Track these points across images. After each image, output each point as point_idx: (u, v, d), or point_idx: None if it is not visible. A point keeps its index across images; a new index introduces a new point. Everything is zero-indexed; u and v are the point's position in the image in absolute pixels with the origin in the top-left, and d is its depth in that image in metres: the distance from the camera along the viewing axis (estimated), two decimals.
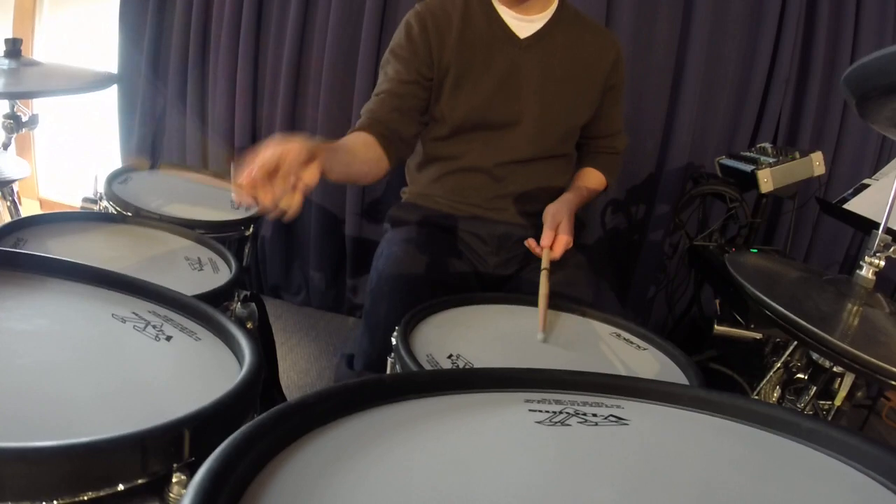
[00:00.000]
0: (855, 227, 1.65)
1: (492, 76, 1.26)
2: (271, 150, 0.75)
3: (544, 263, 1.09)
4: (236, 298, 0.96)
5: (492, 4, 1.27)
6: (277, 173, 0.75)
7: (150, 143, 2.43)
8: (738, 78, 2.02)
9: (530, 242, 1.17)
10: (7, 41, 1.43)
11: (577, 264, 1.23)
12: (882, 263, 0.95)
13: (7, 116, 1.53)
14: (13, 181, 1.43)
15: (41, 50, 2.60)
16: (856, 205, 1.42)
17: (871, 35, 1.92)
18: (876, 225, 0.96)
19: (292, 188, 0.77)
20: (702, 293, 2.02)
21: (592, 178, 1.39)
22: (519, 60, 1.26)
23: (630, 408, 0.53)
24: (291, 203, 0.77)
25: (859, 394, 1.10)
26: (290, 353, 2.01)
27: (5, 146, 1.55)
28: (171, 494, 0.45)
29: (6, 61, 1.41)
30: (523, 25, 1.27)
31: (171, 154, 2.39)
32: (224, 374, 0.60)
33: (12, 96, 1.51)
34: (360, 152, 1.14)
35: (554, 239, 1.14)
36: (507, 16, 1.27)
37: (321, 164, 0.82)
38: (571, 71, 1.29)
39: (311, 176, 0.79)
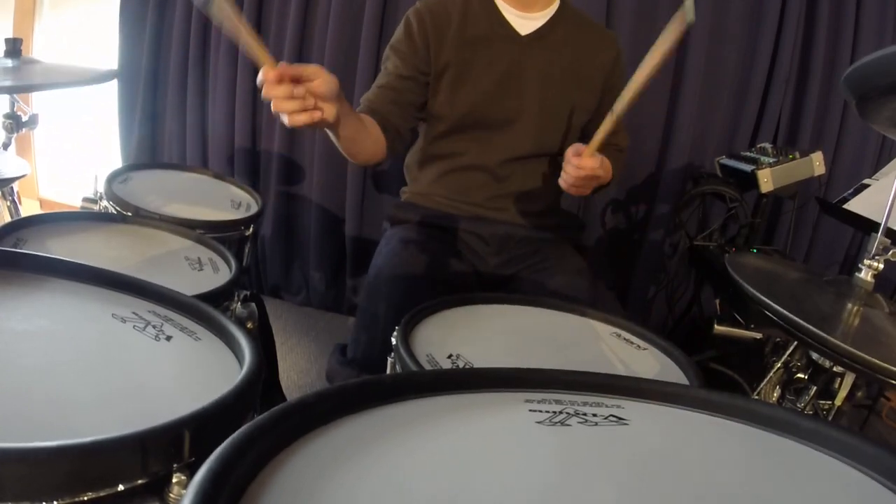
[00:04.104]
0: (855, 227, 1.65)
1: (492, 73, 1.26)
2: (312, 67, 0.85)
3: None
4: (236, 298, 0.96)
5: (493, 1, 1.27)
6: (304, 84, 0.84)
7: (150, 143, 2.43)
8: (738, 78, 2.02)
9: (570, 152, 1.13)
10: (7, 41, 1.43)
11: (577, 270, 1.23)
12: (881, 266, 0.95)
13: (7, 116, 1.53)
14: (12, 180, 1.43)
15: (41, 49, 2.60)
16: (856, 205, 1.42)
17: (871, 35, 1.92)
18: (876, 225, 0.96)
19: (305, 105, 0.85)
20: (702, 293, 2.02)
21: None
22: (520, 57, 1.26)
23: (630, 408, 0.53)
24: (299, 117, 0.85)
25: (859, 394, 1.10)
26: (290, 353, 2.01)
27: (5, 146, 1.55)
28: (171, 495, 0.44)
29: (6, 61, 1.41)
30: (524, 23, 1.27)
31: (171, 154, 2.39)
32: (224, 374, 0.60)
33: (12, 90, 1.50)
34: (369, 124, 1.19)
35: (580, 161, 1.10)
36: (509, 13, 1.27)
37: (340, 111, 0.92)
38: (572, 69, 1.29)
39: (328, 111, 0.89)
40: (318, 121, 0.88)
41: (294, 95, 0.83)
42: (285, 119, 0.85)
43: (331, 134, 1.06)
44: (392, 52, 1.29)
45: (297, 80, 0.84)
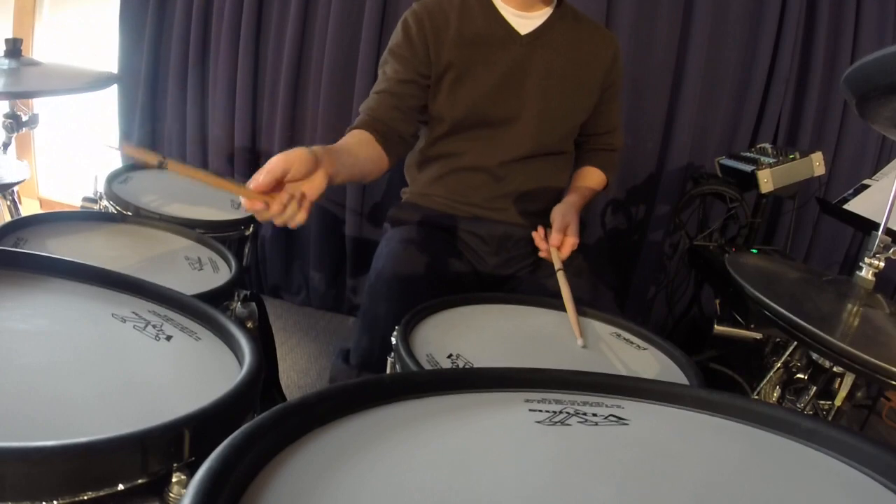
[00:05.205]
0: (855, 227, 1.65)
1: (493, 72, 1.26)
2: (277, 159, 0.81)
3: (557, 264, 1.10)
4: (236, 298, 0.96)
5: (490, 1, 1.27)
6: (284, 182, 0.81)
7: (150, 144, 2.43)
8: (738, 78, 2.02)
9: (537, 237, 1.18)
10: (7, 41, 1.43)
11: (577, 270, 1.23)
12: (881, 265, 0.95)
13: (7, 116, 1.53)
14: (13, 185, 1.43)
15: (41, 50, 2.60)
16: (856, 205, 1.42)
17: (871, 35, 1.92)
18: (876, 225, 0.97)
19: (298, 202, 0.82)
20: (702, 293, 2.02)
21: (593, 177, 1.40)
22: (520, 57, 1.26)
23: (630, 408, 0.53)
24: (299, 217, 0.83)
25: (859, 394, 1.10)
26: (290, 353, 2.01)
27: (5, 146, 1.55)
28: (171, 494, 0.45)
29: (6, 61, 1.41)
30: (523, 22, 1.27)
31: (171, 154, 2.39)
32: (224, 374, 0.60)
33: (12, 96, 1.50)
34: (362, 152, 1.16)
35: (562, 241, 1.15)
36: (507, 13, 1.27)
37: (327, 171, 0.88)
38: (572, 67, 1.29)
39: (317, 186, 0.86)
40: (314, 200, 0.86)
41: (287, 204, 0.81)
42: (290, 225, 0.85)
43: None
44: (391, 55, 1.27)
45: (279, 187, 0.81)
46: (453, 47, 1.24)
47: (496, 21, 1.27)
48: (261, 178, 0.79)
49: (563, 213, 1.20)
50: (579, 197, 1.30)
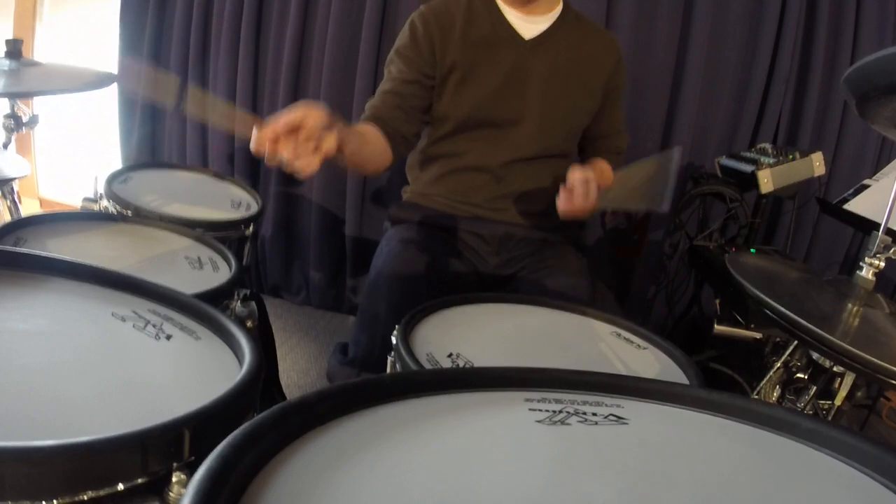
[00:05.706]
0: (855, 227, 1.65)
1: (497, 74, 1.26)
2: (297, 110, 0.81)
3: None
4: (236, 297, 0.96)
5: (496, 5, 1.27)
6: (300, 132, 0.81)
7: (150, 143, 2.43)
8: (738, 78, 2.02)
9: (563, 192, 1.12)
10: (7, 41, 1.43)
11: (578, 270, 1.23)
12: (882, 264, 0.95)
13: (7, 116, 1.53)
14: (12, 179, 1.43)
15: (41, 50, 2.60)
16: (856, 205, 1.42)
17: (871, 35, 1.92)
18: (876, 225, 0.97)
19: (313, 150, 0.82)
20: (702, 293, 2.02)
21: (604, 164, 1.38)
22: (523, 61, 1.27)
23: (630, 407, 0.53)
24: (310, 164, 0.83)
25: (859, 394, 1.10)
26: (290, 353, 2.01)
27: (5, 146, 1.55)
28: (171, 494, 0.45)
29: (6, 62, 1.41)
30: (528, 26, 1.27)
31: (171, 154, 2.39)
32: (224, 374, 0.60)
33: (12, 96, 1.50)
34: (371, 137, 1.18)
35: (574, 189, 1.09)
36: (512, 16, 1.27)
37: (339, 135, 0.87)
38: (575, 72, 1.29)
39: (329, 143, 0.85)
40: (325, 155, 0.86)
41: (298, 147, 0.81)
42: (300, 171, 0.84)
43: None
44: (397, 55, 1.28)
45: (292, 132, 0.81)
46: (458, 48, 1.24)
47: (501, 25, 1.27)
48: (278, 125, 0.80)
49: (584, 170, 1.11)
50: (597, 168, 1.20)
